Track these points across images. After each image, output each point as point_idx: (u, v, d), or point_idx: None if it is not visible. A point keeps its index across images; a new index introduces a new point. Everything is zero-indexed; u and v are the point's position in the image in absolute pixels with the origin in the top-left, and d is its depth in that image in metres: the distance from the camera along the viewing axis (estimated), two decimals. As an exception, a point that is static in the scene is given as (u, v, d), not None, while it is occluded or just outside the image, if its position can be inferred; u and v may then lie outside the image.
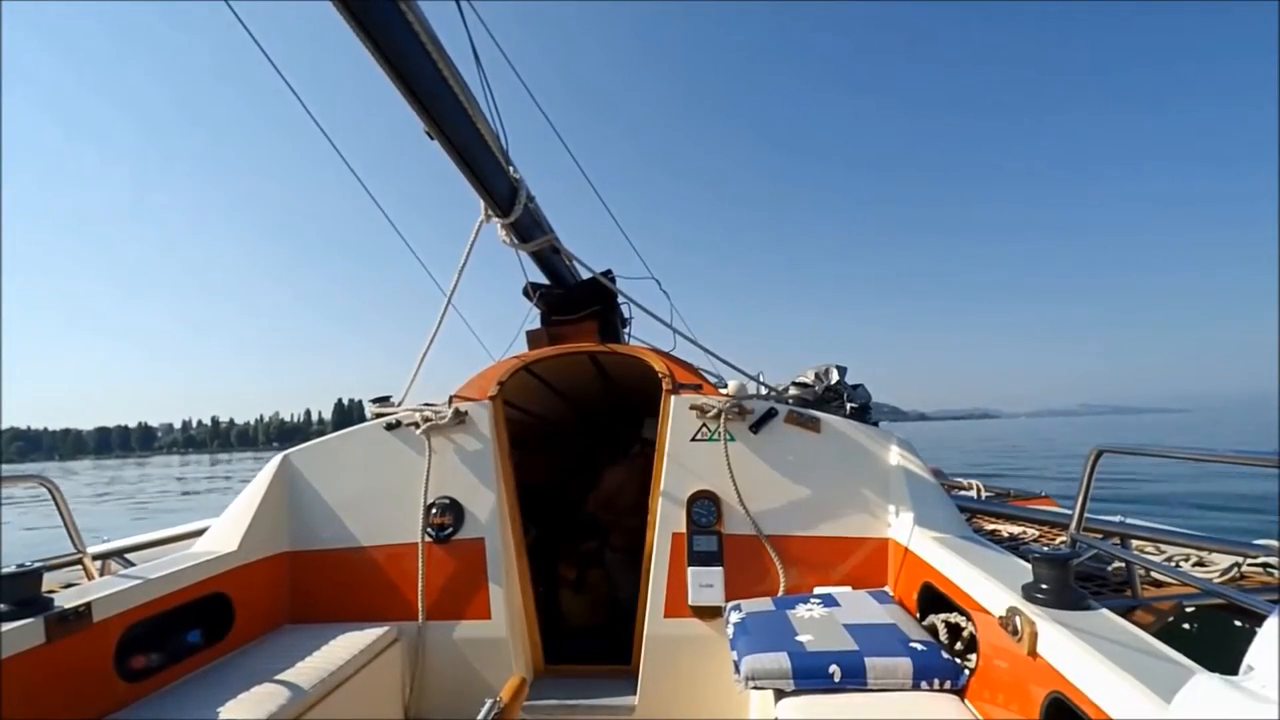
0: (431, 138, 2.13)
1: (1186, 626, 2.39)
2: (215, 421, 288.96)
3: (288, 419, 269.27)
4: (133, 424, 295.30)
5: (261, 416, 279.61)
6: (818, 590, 2.20)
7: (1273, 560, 2.61)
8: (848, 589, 2.19)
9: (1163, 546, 2.87)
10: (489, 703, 1.45)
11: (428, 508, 2.48)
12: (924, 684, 1.62)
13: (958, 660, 1.68)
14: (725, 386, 2.57)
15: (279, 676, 1.91)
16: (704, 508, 2.40)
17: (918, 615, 1.97)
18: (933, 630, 1.82)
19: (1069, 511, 1.77)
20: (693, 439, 2.49)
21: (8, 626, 1.52)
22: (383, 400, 2.90)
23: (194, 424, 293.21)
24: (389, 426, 2.63)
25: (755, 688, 1.72)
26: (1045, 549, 1.51)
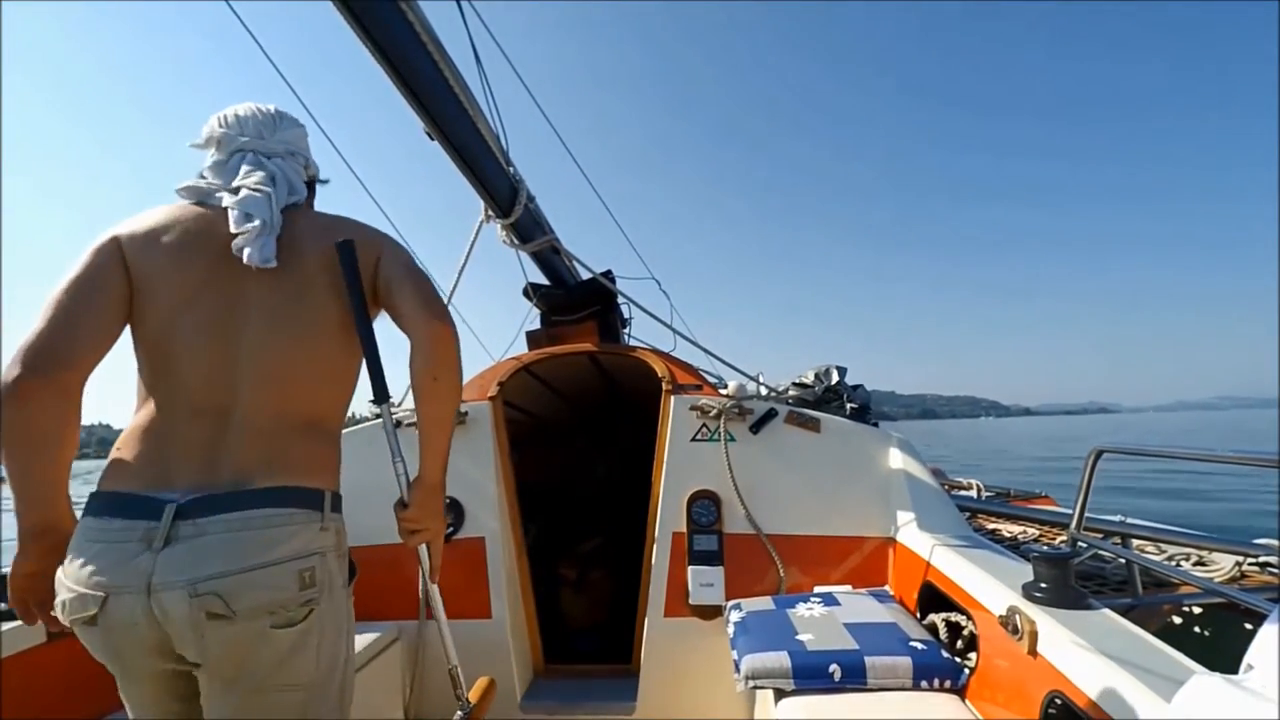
0: (431, 138, 2.13)
1: (1187, 626, 2.40)
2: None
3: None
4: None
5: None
6: (818, 589, 2.20)
7: (1273, 560, 2.61)
8: (848, 588, 2.19)
9: (1163, 546, 2.88)
10: (459, 714, 1.42)
11: None
12: (924, 683, 1.62)
13: (958, 659, 1.68)
14: (725, 387, 2.58)
15: None
16: (704, 507, 2.40)
17: (918, 614, 1.97)
18: (933, 629, 1.82)
19: (1069, 511, 1.77)
20: (693, 439, 2.49)
21: (8, 626, 1.52)
22: None
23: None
24: None
25: (755, 687, 1.72)
26: (1045, 548, 1.51)
